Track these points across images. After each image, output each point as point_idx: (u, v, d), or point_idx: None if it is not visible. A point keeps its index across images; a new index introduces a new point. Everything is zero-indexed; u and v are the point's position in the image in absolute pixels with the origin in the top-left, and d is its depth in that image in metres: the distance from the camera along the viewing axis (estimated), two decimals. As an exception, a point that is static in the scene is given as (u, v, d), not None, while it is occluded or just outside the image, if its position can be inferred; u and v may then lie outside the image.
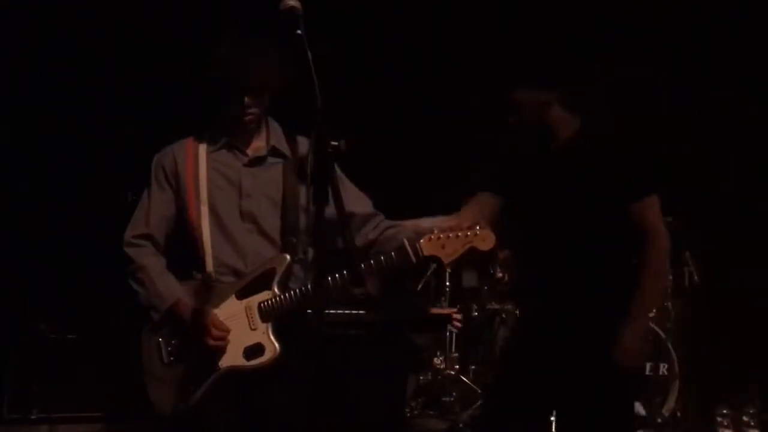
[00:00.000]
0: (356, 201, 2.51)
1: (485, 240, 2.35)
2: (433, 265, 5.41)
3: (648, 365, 4.60)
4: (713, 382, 5.04)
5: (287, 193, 2.45)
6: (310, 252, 2.46)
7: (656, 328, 4.70)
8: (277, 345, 2.33)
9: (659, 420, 4.46)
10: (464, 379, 5.07)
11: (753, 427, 4.37)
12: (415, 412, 4.98)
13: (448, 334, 5.23)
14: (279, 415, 2.35)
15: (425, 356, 5.36)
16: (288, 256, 2.39)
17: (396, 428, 3.69)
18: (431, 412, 5.04)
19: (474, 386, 4.99)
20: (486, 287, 5.46)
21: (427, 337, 5.51)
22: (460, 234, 2.35)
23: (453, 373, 5.14)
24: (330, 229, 2.03)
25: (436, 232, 2.36)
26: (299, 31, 1.86)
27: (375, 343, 3.55)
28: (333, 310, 3.53)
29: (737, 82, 5.62)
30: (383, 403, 3.51)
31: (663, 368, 4.63)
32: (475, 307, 5.35)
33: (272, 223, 2.44)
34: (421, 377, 5.33)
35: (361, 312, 3.62)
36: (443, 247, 2.34)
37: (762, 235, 5.68)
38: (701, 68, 5.68)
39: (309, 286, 2.34)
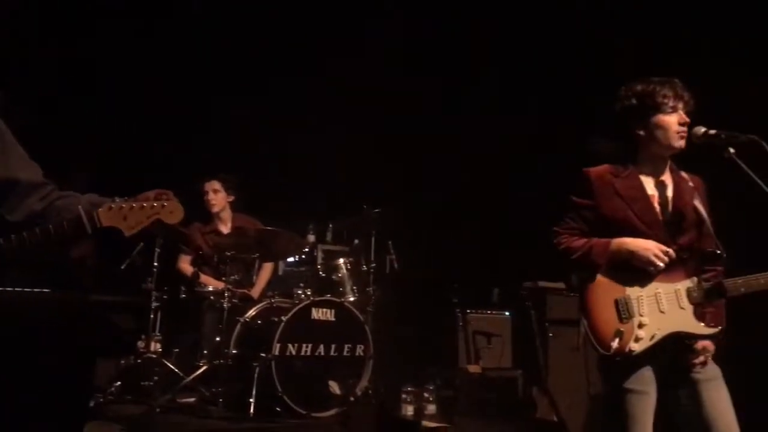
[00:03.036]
0: (22, 167, 2.25)
1: (173, 212, 2.25)
2: (141, 245, 5.19)
3: (346, 347, 4.88)
4: (402, 361, 5.52)
5: None
6: None
7: (355, 311, 4.98)
8: None
9: (352, 398, 4.73)
10: (166, 362, 4.91)
11: (431, 402, 4.83)
12: (110, 397, 4.72)
13: (152, 316, 5.04)
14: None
15: (128, 339, 5.11)
16: None
17: (77, 417, 3.44)
18: (129, 397, 4.80)
19: (176, 370, 4.86)
20: (197, 269, 5.36)
21: (131, 318, 5.28)
22: (145, 205, 2.23)
23: (155, 356, 4.96)
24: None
25: (117, 201, 2.22)
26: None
27: (56, 324, 3.27)
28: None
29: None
30: (61, 391, 3.24)
31: (360, 349, 4.92)
32: (183, 288, 5.22)
33: None
34: (123, 361, 5.06)
35: (44, 290, 3.31)
36: (125, 218, 2.21)
37: (459, 224, 6.33)
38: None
39: None
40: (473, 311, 5.78)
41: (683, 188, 2.72)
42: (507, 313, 5.92)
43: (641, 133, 2.66)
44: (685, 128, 2.64)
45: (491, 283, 6.18)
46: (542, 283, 5.48)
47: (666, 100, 2.63)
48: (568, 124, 5.48)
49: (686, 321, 2.57)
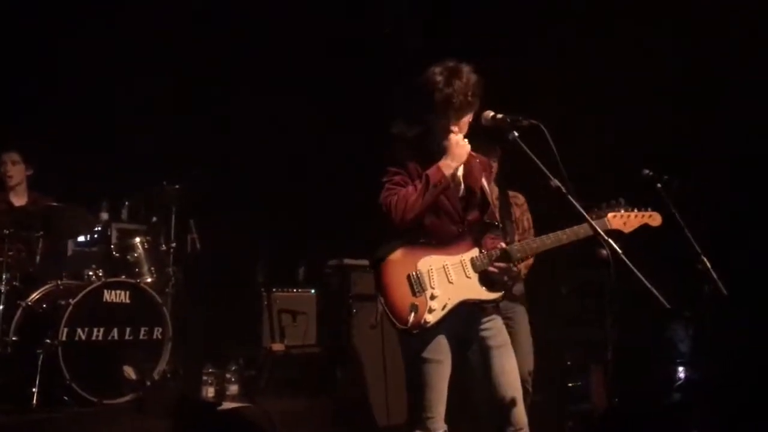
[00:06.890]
0: None
1: None
2: None
3: (143, 329, 4.63)
4: (203, 343, 5.37)
5: None
6: None
7: (153, 292, 4.75)
8: None
9: (148, 383, 4.51)
10: None
11: (233, 383, 4.76)
12: None
13: None
14: None
15: None
16: None
17: None
18: None
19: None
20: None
21: None
22: None
23: None
24: None
25: None
26: None
27: None
28: None
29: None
30: None
31: (157, 332, 4.70)
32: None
33: None
34: None
35: None
36: None
37: (264, 202, 6.26)
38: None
39: None
40: (279, 290, 5.74)
41: (473, 167, 2.89)
42: (312, 291, 5.95)
43: (442, 121, 2.79)
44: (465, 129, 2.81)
45: (297, 261, 6.18)
46: (347, 261, 5.58)
47: (461, 98, 2.72)
48: (370, 105, 5.61)
49: (473, 289, 2.77)
